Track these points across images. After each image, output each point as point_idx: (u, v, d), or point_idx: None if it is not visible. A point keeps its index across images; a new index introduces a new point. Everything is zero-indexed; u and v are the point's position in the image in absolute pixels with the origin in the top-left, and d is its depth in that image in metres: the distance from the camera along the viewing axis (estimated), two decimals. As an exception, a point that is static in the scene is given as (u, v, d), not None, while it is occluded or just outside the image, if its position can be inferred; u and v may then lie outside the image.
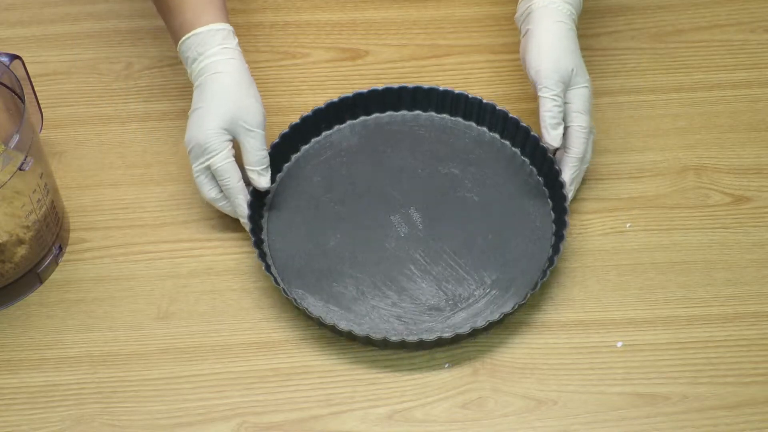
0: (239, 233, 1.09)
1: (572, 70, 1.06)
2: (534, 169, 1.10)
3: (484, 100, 1.12)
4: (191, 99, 1.07)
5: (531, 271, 1.04)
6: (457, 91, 1.12)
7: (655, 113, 1.17)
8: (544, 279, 1.02)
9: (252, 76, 1.07)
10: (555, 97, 1.05)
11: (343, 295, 1.04)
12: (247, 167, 1.06)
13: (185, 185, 1.13)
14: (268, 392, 1.00)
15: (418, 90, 1.13)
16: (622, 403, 0.99)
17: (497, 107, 1.11)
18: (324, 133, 1.13)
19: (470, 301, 1.03)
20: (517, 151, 1.12)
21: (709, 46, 1.22)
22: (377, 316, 1.02)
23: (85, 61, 1.23)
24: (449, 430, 0.98)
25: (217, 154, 1.05)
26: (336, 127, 1.14)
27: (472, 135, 1.13)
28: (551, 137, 1.05)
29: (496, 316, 1.00)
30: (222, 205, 1.07)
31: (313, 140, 1.13)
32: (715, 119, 1.16)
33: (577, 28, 1.09)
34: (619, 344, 1.02)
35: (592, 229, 1.09)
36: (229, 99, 1.05)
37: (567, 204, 1.05)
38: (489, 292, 1.04)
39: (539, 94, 1.06)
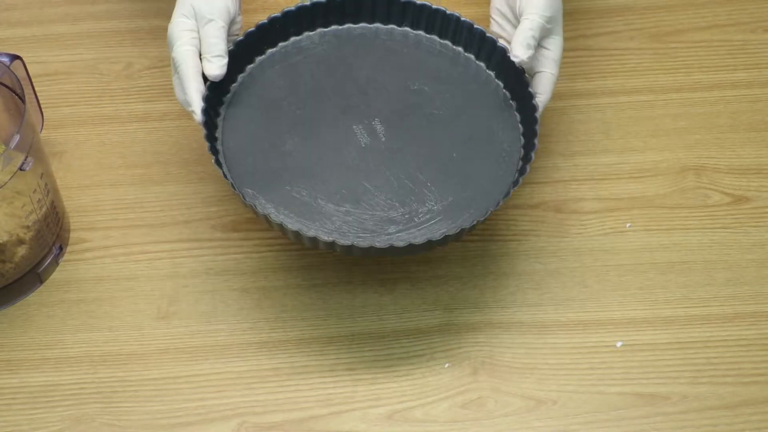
0: (239, 233, 1.09)
1: (558, 19, 1.05)
2: (507, 93, 1.07)
3: (462, 18, 1.09)
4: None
5: (494, 191, 1.00)
6: (434, 6, 1.09)
7: (655, 113, 1.17)
8: (507, 197, 0.98)
9: None
10: (541, 21, 1.03)
11: (295, 200, 1.00)
12: (202, 56, 1.03)
13: (185, 185, 1.13)
14: (268, 392, 1.00)
15: (393, 2, 1.10)
16: (622, 403, 0.99)
17: (474, 25, 1.08)
18: (292, 38, 1.10)
19: (428, 216, 1.00)
20: (492, 73, 1.08)
21: (709, 46, 1.22)
22: (329, 223, 0.99)
23: (86, 61, 1.23)
24: (449, 430, 0.98)
25: (176, 42, 1.03)
26: (305, 34, 1.10)
27: (447, 54, 1.10)
28: (523, 52, 1.03)
29: (453, 231, 0.96)
30: (191, 111, 1.03)
31: (280, 44, 1.09)
32: (715, 119, 1.16)
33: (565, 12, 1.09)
34: (619, 344, 1.02)
35: (592, 229, 1.09)
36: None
37: (537, 128, 1.01)
38: (448, 209, 1.00)
39: (526, 18, 1.03)
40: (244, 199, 0.97)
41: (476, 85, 1.08)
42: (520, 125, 1.05)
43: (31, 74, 1.10)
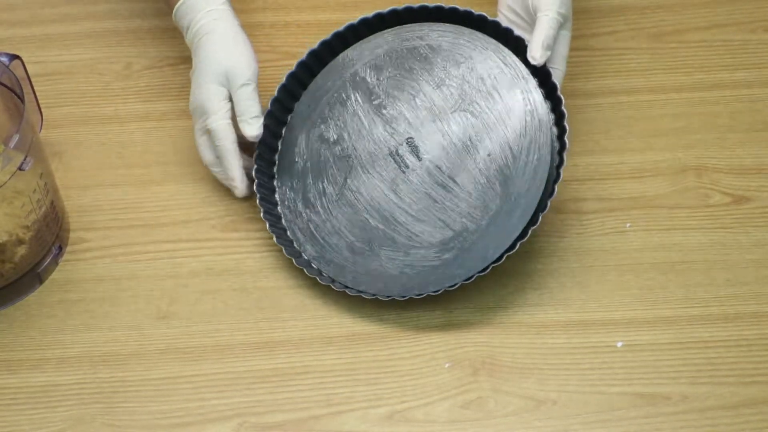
0: (239, 233, 1.09)
1: (569, 16, 1.06)
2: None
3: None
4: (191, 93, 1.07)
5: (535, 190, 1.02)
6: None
7: (655, 113, 1.17)
8: (552, 197, 1.01)
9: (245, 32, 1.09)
10: (557, 21, 1.04)
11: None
12: (237, 118, 1.07)
13: (185, 185, 1.13)
14: (268, 392, 1.00)
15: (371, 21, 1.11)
16: (622, 403, 0.99)
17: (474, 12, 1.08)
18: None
19: (476, 233, 1.02)
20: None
21: (709, 46, 1.22)
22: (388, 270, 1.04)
23: (85, 61, 1.23)
24: (449, 430, 0.98)
25: (213, 114, 1.06)
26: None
27: (454, 37, 1.10)
28: (541, 54, 1.04)
29: (509, 244, 1.00)
30: (217, 171, 1.09)
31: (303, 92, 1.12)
32: (715, 119, 1.16)
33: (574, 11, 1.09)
34: (619, 344, 1.02)
35: (592, 229, 1.09)
36: (221, 56, 1.06)
37: (565, 123, 1.03)
38: (493, 220, 1.02)
39: (543, 14, 1.04)
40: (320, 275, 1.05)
41: (495, 65, 1.07)
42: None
43: (30, 74, 1.10)
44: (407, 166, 1.06)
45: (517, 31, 1.06)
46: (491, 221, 1.02)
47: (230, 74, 1.06)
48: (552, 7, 1.04)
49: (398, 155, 1.07)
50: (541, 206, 1.01)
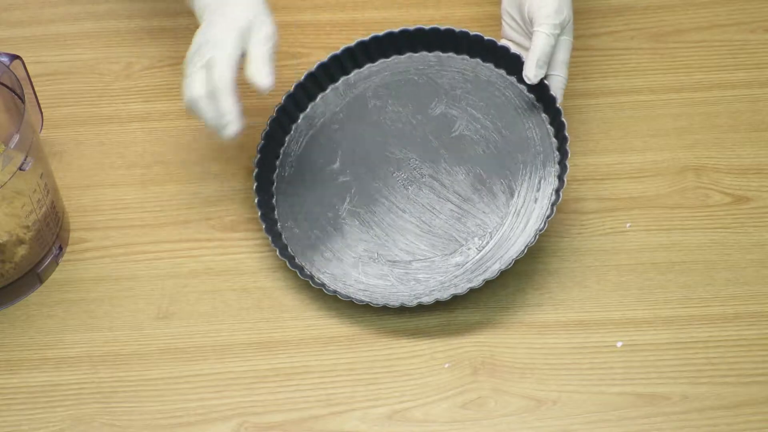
0: (239, 233, 1.09)
1: (568, 21, 1.06)
2: (532, 96, 1.08)
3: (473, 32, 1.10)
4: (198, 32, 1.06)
5: (541, 197, 1.04)
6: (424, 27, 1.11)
7: (655, 113, 1.17)
8: (558, 201, 1.02)
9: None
10: (552, 36, 1.04)
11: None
12: (250, 70, 1.00)
13: (185, 185, 1.13)
14: (268, 392, 1.00)
15: (381, 39, 1.12)
16: (622, 403, 0.99)
17: (472, 33, 1.10)
18: (311, 105, 1.13)
19: (486, 242, 1.04)
20: (513, 78, 1.09)
21: (709, 46, 1.22)
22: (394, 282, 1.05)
23: (85, 61, 1.23)
24: (449, 430, 0.98)
25: (222, 48, 1.00)
26: (320, 96, 1.13)
27: (461, 68, 1.11)
28: (535, 74, 1.04)
29: (520, 250, 1.01)
30: (206, 109, 1.00)
31: (301, 115, 1.13)
32: (715, 119, 1.16)
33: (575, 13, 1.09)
34: (619, 344, 1.02)
35: (592, 229, 1.09)
36: (241, 11, 1.01)
37: (565, 133, 1.04)
38: (503, 227, 1.04)
39: (538, 29, 1.04)
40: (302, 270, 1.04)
41: (499, 94, 1.09)
42: (548, 126, 1.07)
43: (30, 74, 1.10)
44: (412, 183, 1.08)
45: (517, 50, 1.07)
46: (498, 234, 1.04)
47: (252, 26, 1.01)
48: (546, 21, 1.04)
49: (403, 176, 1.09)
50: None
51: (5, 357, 1.03)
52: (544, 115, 1.07)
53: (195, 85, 1.00)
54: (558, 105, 1.05)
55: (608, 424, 0.98)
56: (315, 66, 1.12)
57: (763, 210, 1.10)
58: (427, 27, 1.11)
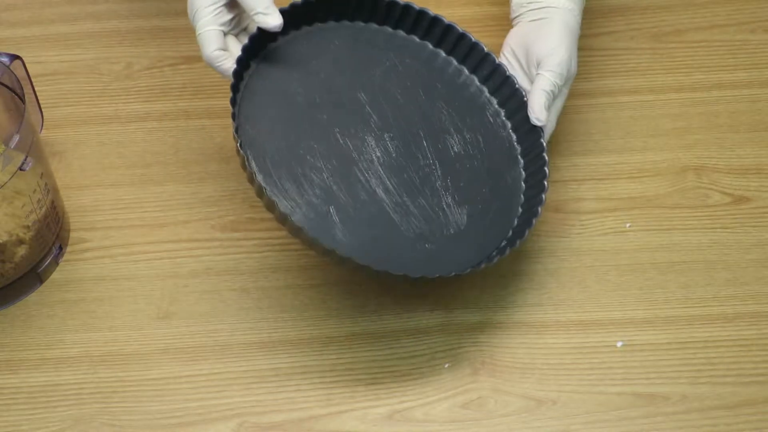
0: (239, 233, 1.10)
1: (573, 75, 1.06)
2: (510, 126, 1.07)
3: (474, 40, 1.08)
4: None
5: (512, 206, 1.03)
6: (472, 38, 1.09)
7: (655, 113, 1.17)
8: (537, 216, 1.00)
9: None
10: (558, 81, 1.04)
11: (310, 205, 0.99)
12: (250, 13, 1.00)
13: (185, 185, 1.13)
14: (268, 392, 1.00)
15: (409, 9, 1.08)
16: (622, 403, 0.99)
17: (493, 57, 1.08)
18: (312, 25, 1.07)
19: (447, 239, 1.01)
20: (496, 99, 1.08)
21: (708, 46, 1.22)
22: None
23: (86, 61, 1.23)
24: (449, 430, 0.98)
25: (200, 20, 1.00)
26: (322, 24, 1.07)
27: (460, 75, 1.09)
28: (544, 116, 1.04)
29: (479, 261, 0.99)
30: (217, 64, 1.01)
31: (303, 27, 1.06)
32: (714, 119, 1.16)
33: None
34: (619, 344, 1.02)
35: (591, 229, 1.09)
36: None
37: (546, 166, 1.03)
38: (470, 226, 1.01)
39: (544, 74, 1.04)
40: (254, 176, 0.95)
41: (483, 117, 1.08)
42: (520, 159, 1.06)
43: (30, 74, 1.10)
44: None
45: (516, 80, 1.07)
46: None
47: None
48: (553, 68, 1.04)
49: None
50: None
51: (5, 357, 1.03)
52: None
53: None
54: (545, 154, 1.04)
55: (608, 424, 0.98)
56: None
57: (762, 210, 1.10)
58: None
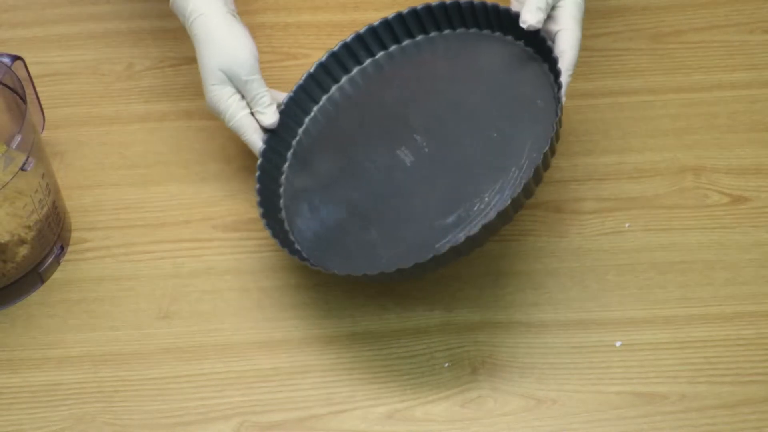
0: (240, 233, 1.10)
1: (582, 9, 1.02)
2: (531, 50, 1.04)
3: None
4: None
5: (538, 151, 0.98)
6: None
7: (654, 114, 1.17)
8: (555, 141, 0.96)
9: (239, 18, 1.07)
10: None
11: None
12: (252, 108, 1.07)
13: (186, 185, 1.13)
14: (269, 391, 1.01)
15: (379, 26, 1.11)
16: (621, 402, 0.99)
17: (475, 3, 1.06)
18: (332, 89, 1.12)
19: (483, 208, 0.98)
20: (510, 37, 1.05)
21: (707, 46, 1.22)
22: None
23: (87, 61, 1.23)
24: (449, 430, 0.99)
25: (226, 114, 1.06)
26: (334, 87, 1.11)
27: (459, 36, 1.08)
28: (532, 17, 0.99)
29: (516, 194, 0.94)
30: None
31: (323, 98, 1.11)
32: (713, 120, 1.16)
33: None
34: (618, 344, 1.02)
35: (591, 229, 1.09)
36: (217, 54, 1.05)
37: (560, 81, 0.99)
38: (501, 191, 0.99)
39: None
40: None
41: (498, 54, 1.06)
42: (549, 74, 1.02)
43: (32, 75, 1.10)
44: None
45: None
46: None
47: (231, 73, 1.05)
48: None
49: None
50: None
51: (7, 357, 1.03)
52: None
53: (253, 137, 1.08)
54: (554, 56, 0.99)
55: (607, 424, 0.98)
56: (338, 46, 1.10)
57: (761, 210, 1.10)
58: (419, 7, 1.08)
